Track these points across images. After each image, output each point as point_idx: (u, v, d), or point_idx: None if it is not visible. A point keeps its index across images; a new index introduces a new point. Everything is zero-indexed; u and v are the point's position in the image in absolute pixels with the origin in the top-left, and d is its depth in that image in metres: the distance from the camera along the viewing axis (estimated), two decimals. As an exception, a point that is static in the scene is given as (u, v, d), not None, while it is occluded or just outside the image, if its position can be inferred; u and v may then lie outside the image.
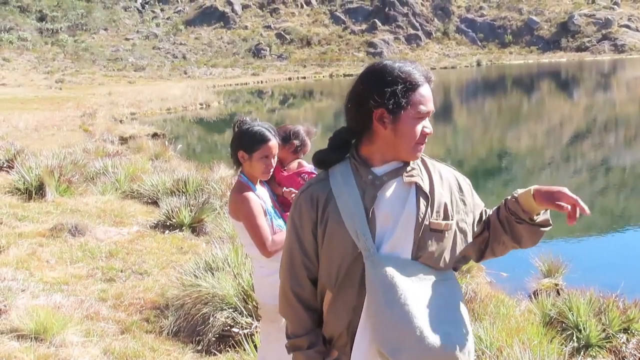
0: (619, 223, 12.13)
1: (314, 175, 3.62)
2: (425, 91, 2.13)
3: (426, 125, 2.15)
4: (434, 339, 1.99)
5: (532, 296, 7.14)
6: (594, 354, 5.39)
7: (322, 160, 2.26)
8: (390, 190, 2.13)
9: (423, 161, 2.24)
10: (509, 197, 2.21)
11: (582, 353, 5.37)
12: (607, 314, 5.69)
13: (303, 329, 2.27)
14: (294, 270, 2.27)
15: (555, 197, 2.08)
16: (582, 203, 2.04)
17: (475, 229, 2.27)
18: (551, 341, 4.93)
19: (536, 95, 45.36)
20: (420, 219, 2.10)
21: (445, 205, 2.16)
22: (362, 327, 2.10)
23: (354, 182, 2.15)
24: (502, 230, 2.22)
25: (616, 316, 5.66)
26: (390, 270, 2.04)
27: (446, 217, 2.15)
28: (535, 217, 2.15)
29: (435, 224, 2.12)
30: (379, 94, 2.10)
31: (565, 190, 2.08)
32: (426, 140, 2.17)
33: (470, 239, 2.25)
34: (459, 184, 2.26)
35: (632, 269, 8.39)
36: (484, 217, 2.30)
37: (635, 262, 8.71)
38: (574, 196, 2.06)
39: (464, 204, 2.23)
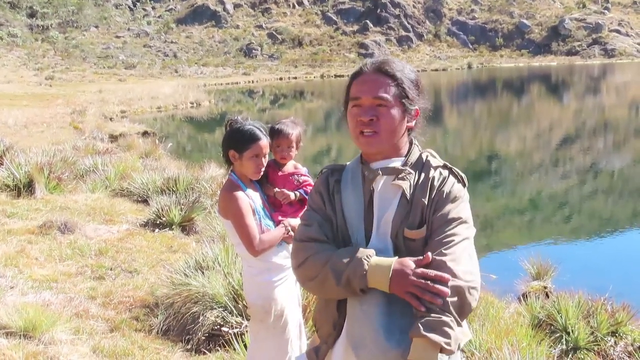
0: (607, 227, 12.19)
1: (307, 178, 3.63)
2: (361, 80, 2.14)
3: (361, 113, 2.10)
4: (390, 342, 1.97)
5: (521, 299, 7.18)
6: (582, 357, 5.43)
7: None
8: (382, 186, 2.15)
9: (427, 163, 2.19)
10: None
11: (570, 355, 5.40)
12: (596, 317, 5.73)
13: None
14: (315, 241, 2.19)
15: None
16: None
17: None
18: (540, 343, 4.95)
19: (526, 98, 45.52)
20: (395, 225, 2.11)
21: (422, 213, 2.11)
22: (345, 322, 2.15)
23: (360, 178, 2.19)
24: None
25: (604, 319, 5.69)
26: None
27: (420, 225, 2.11)
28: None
29: (408, 232, 2.10)
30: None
31: None
32: (374, 129, 2.09)
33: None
34: (447, 197, 2.11)
35: (620, 272, 8.44)
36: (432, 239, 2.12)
37: (623, 266, 8.76)
38: None
39: (438, 210, 2.10)
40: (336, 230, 2.18)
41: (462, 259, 2.02)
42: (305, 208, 2.33)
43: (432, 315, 1.91)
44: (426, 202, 2.11)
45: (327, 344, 2.21)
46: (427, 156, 2.21)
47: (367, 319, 2.01)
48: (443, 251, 2.01)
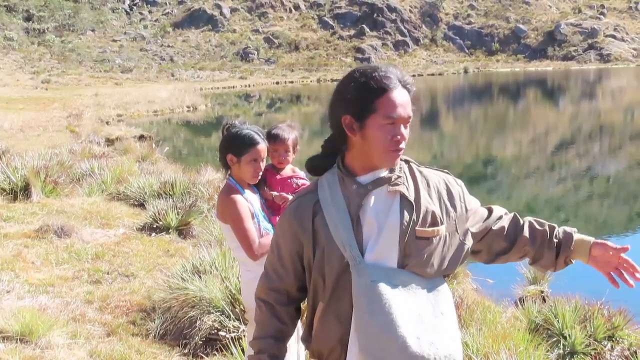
0: (603, 231, 12.19)
1: (305, 181, 3.63)
2: (395, 95, 2.07)
3: (398, 131, 2.09)
4: (417, 348, 1.97)
5: (518, 303, 7.18)
6: (579, 361, 5.44)
7: (314, 166, 2.28)
8: (375, 199, 2.11)
9: (410, 168, 2.21)
10: (565, 229, 2.34)
11: (567, 360, 5.41)
12: (592, 322, 5.74)
13: (262, 332, 2.27)
14: (268, 274, 2.29)
15: (611, 266, 2.27)
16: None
17: (476, 230, 2.28)
18: (537, 348, 4.96)
19: (522, 103, 45.64)
20: (404, 228, 2.08)
21: (433, 212, 2.14)
22: (352, 339, 2.09)
23: (340, 192, 2.14)
24: (530, 244, 2.32)
25: (601, 324, 5.71)
26: (375, 279, 2.03)
27: (434, 223, 2.13)
28: (571, 260, 2.33)
29: (420, 231, 2.10)
30: (345, 101, 2.11)
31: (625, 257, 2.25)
32: (401, 147, 2.10)
33: (468, 243, 2.24)
34: (448, 188, 2.23)
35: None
36: (492, 218, 2.33)
37: (619, 270, 8.77)
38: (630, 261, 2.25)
39: (455, 208, 2.20)
40: (321, 252, 2.14)
41: None
42: (274, 237, 2.32)
43: None
44: (436, 202, 2.17)
45: None
46: (407, 160, 2.24)
47: (387, 330, 1.98)
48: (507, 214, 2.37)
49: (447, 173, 2.31)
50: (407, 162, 2.23)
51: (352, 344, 2.08)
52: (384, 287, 2.03)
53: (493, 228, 2.32)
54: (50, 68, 66.66)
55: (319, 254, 2.13)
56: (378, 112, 2.06)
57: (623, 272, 2.25)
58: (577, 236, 2.31)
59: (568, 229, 2.35)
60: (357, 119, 2.09)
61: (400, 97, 2.08)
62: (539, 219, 2.39)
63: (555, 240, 2.31)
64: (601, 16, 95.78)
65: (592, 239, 2.29)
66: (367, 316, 2.01)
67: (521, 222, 2.36)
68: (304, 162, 2.33)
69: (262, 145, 3.46)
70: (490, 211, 2.35)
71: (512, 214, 2.39)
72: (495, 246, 2.34)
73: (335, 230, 2.09)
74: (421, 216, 2.11)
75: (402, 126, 2.09)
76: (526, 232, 2.33)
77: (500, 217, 2.35)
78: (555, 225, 2.35)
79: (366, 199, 2.11)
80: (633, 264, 2.23)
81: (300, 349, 3.58)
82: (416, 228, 2.10)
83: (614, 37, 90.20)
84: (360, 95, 2.07)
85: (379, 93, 2.06)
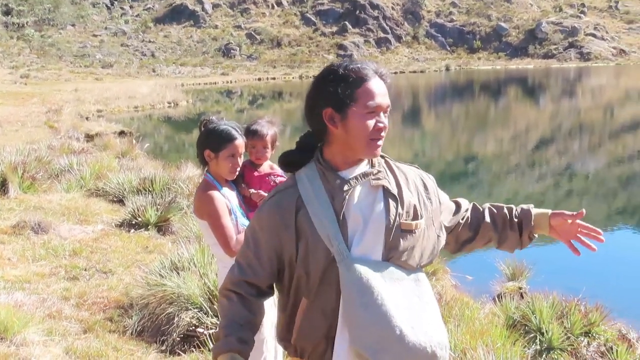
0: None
1: (283, 179, 3.61)
2: (373, 85, 2.12)
3: (379, 120, 2.13)
4: (414, 338, 2.00)
5: (496, 299, 7.22)
6: (556, 357, 5.47)
7: (288, 161, 2.27)
8: (359, 193, 2.13)
9: (388, 164, 2.25)
10: (522, 207, 2.45)
11: (544, 356, 5.44)
12: (569, 318, 5.79)
13: (230, 320, 2.20)
14: (242, 268, 2.24)
15: (572, 234, 2.38)
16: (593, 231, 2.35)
17: (448, 224, 2.36)
18: (514, 344, 4.98)
19: (503, 100, 45.89)
20: (390, 221, 2.11)
21: (414, 205, 2.18)
22: (340, 332, 2.08)
23: (322, 187, 2.14)
24: (492, 229, 2.43)
25: (578, 319, 5.75)
26: (365, 273, 2.04)
27: (415, 217, 2.16)
28: (534, 235, 2.43)
29: (405, 224, 2.13)
30: (325, 94, 2.14)
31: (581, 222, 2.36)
32: (382, 135, 2.14)
33: (442, 235, 2.30)
34: (424, 183, 2.29)
35: (594, 273, 8.51)
36: (461, 211, 2.42)
37: (596, 267, 8.84)
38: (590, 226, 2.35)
39: (431, 202, 2.27)
40: (305, 247, 2.12)
41: None
42: (250, 232, 2.27)
43: None
44: (415, 195, 2.22)
45: (312, 357, 2.17)
46: (382, 156, 2.27)
47: (382, 321, 2.00)
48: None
49: (418, 168, 2.37)
50: (382, 157, 2.26)
51: (340, 338, 2.08)
52: (374, 280, 2.04)
53: (461, 221, 2.41)
54: (30, 63, 66.12)
55: (303, 249, 2.12)
56: (358, 101, 2.10)
57: (584, 238, 2.36)
58: (535, 211, 2.44)
59: (524, 206, 2.46)
60: (338, 111, 2.12)
61: (378, 87, 2.13)
62: (496, 204, 2.49)
63: (515, 219, 2.43)
64: (582, 15, 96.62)
65: (549, 211, 2.41)
66: (359, 309, 2.01)
67: (481, 209, 2.47)
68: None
69: (240, 141, 3.45)
70: (457, 204, 2.44)
71: (471, 204, 2.49)
72: (462, 236, 2.43)
73: (320, 225, 2.09)
74: (405, 209, 2.15)
75: (382, 115, 2.14)
76: (487, 219, 2.43)
77: (466, 210, 2.45)
78: (512, 206, 2.46)
79: (350, 194, 2.12)
80: (592, 227, 2.34)
81: (277, 345, 3.57)
82: (401, 221, 2.12)
83: (594, 35, 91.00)
84: (341, 87, 2.11)
85: (358, 83, 2.11)
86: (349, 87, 2.11)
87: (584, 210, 2.35)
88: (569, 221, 2.35)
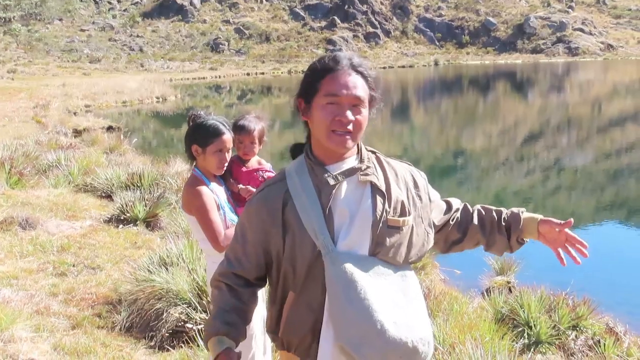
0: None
1: (271, 174, 3.60)
2: (339, 76, 2.10)
3: (340, 112, 2.08)
4: (395, 332, 2.00)
5: (485, 293, 7.24)
6: (544, 350, 5.50)
7: (296, 149, 2.31)
8: (346, 188, 2.13)
9: (378, 159, 2.24)
10: (512, 211, 2.42)
11: (532, 349, 5.47)
12: (557, 312, 5.82)
13: (220, 309, 2.22)
14: (230, 261, 2.27)
15: (559, 243, 2.35)
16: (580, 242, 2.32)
17: (438, 222, 2.36)
18: (502, 338, 5.01)
19: (492, 95, 46.03)
20: (377, 216, 2.11)
21: (402, 202, 2.17)
22: (325, 326, 2.09)
23: (310, 181, 2.14)
24: (480, 232, 2.41)
25: (566, 313, 5.78)
26: (349, 267, 2.04)
27: (403, 213, 2.16)
28: (524, 239, 2.41)
29: (392, 220, 2.12)
30: (300, 85, 2.18)
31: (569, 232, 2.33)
32: (348, 128, 2.08)
33: (430, 233, 2.29)
34: (414, 180, 2.29)
35: (582, 267, 8.52)
36: (451, 211, 2.41)
37: (584, 261, 8.89)
38: (577, 237, 2.32)
39: (420, 199, 2.26)
40: (292, 241, 2.12)
41: None
42: (239, 226, 2.28)
43: None
44: (404, 192, 2.22)
45: (310, 357, 2.17)
46: (373, 151, 2.27)
47: (364, 316, 2.00)
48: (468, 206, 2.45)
49: (410, 165, 2.36)
50: (373, 152, 2.25)
51: (326, 332, 2.09)
52: (358, 275, 2.04)
53: (450, 221, 2.40)
54: (17, 57, 65.68)
55: (290, 243, 2.12)
56: (320, 91, 2.11)
57: (571, 249, 2.34)
58: (525, 215, 2.40)
59: (515, 209, 2.43)
60: (306, 102, 2.15)
61: (346, 78, 2.10)
62: (486, 206, 2.48)
63: (503, 223, 2.40)
64: (569, 10, 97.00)
65: (539, 217, 2.38)
66: (343, 303, 2.02)
67: (470, 211, 2.45)
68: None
69: (228, 136, 3.43)
70: (448, 204, 2.43)
71: (462, 204, 2.47)
72: (451, 236, 2.42)
73: (306, 218, 2.09)
74: (392, 205, 2.14)
75: (348, 109, 2.09)
76: (475, 221, 2.42)
77: (457, 210, 2.43)
78: (503, 209, 2.44)
79: (337, 189, 2.12)
80: (580, 240, 2.32)
81: (267, 341, 3.57)
82: (388, 217, 2.12)
83: (582, 30, 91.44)
84: (308, 78, 2.15)
85: (323, 74, 2.12)
86: (315, 77, 2.13)
87: (572, 220, 2.33)
88: (557, 229, 2.33)
